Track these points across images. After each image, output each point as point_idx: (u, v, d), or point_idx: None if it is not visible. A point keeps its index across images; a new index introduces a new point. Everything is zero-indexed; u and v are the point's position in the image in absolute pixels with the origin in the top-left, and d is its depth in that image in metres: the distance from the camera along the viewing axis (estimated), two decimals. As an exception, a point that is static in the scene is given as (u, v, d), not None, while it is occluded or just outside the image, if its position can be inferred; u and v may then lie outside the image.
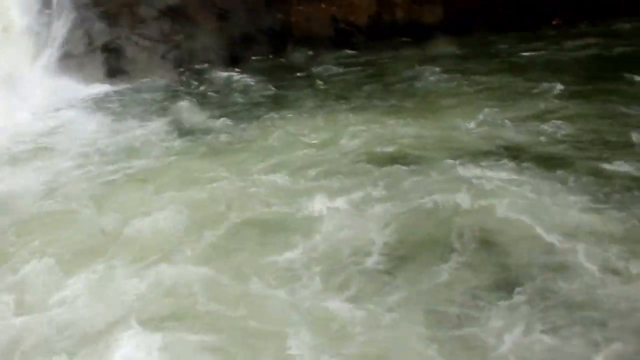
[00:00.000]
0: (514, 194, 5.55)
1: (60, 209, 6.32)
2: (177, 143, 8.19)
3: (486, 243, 4.96)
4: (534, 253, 4.75)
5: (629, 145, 6.25)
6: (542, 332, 3.95)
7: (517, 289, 4.34)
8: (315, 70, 12.19)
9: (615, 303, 4.10)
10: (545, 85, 8.63)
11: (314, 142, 7.53)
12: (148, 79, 12.22)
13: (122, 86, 11.72)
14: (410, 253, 4.93)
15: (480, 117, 7.58)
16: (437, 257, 4.80)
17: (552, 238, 4.85)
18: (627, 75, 8.81)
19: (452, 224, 5.25)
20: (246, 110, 9.57)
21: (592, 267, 4.48)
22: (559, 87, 8.46)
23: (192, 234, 5.43)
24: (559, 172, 5.72)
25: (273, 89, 10.95)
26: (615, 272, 4.42)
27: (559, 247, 4.76)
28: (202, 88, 11.31)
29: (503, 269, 4.62)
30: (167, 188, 6.54)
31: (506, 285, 4.42)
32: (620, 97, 7.83)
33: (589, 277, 4.41)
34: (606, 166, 5.69)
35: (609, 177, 5.52)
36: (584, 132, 6.62)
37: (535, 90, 8.50)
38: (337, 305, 4.33)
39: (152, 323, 4.21)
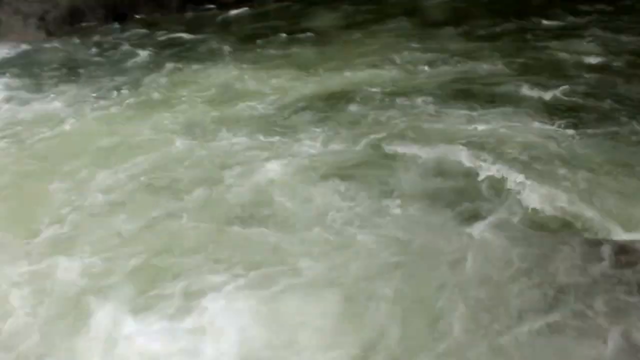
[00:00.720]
0: (457, 124, 5.94)
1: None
2: (95, 109, 7.59)
3: (441, 170, 5.18)
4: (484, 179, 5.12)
5: (554, 72, 6.94)
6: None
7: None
8: (209, 25, 11.84)
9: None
10: (449, 28, 9.19)
11: (251, 94, 7.43)
12: (28, 43, 11.19)
13: (2, 52, 10.62)
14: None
15: (405, 59, 7.96)
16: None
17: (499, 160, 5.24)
18: (519, 18, 9.68)
19: (407, 156, 5.53)
20: (157, 68, 9.03)
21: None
22: (464, 29, 9.09)
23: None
24: (496, 103, 6.24)
25: (173, 45, 10.47)
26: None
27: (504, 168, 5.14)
28: (96, 49, 10.53)
29: (462, 196, 4.89)
30: (102, 160, 5.93)
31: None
32: (522, 36, 8.64)
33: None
34: (541, 92, 6.32)
35: (546, 102, 6.12)
36: (506, 66, 7.24)
37: (443, 33, 9.02)
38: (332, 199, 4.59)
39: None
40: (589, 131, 5.35)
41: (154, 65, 9.20)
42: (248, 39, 10.10)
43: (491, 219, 4.27)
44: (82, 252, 4.54)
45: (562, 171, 4.82)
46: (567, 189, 4.58)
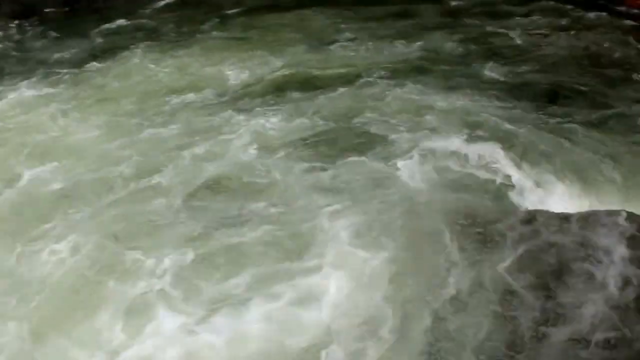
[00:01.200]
0: (406, 100, 6.22)
1: None
2: (24, 106, 7.03)
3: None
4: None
5: (493, 54, 7.46)
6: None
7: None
8: (129, 15, 11.35)
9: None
10: (377, 9, 9.45)
11: (190, 82, 7.30)
12: None
13: None
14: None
15: (339, 41, 8.18)
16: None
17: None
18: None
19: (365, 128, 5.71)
20: (83, 61, 8.60)
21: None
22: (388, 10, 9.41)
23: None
24: (440, 80, 6.62)
25: (96, 37, 9.98)
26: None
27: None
28: (13, 43, 9.87)
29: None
30: (40, 156, 5.75)
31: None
32: (446, 16, 9.12)
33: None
34: (484, 71, 6.86)
35: (488, 80, 6.62)
36: (444, 48, 7.64)
37: (371, 15, 9.24)
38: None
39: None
40: (548, 106, 5.94)
41: (78, 59, 8.75)
42: (181, 27, 9.85)
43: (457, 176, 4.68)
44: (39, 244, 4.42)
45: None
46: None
